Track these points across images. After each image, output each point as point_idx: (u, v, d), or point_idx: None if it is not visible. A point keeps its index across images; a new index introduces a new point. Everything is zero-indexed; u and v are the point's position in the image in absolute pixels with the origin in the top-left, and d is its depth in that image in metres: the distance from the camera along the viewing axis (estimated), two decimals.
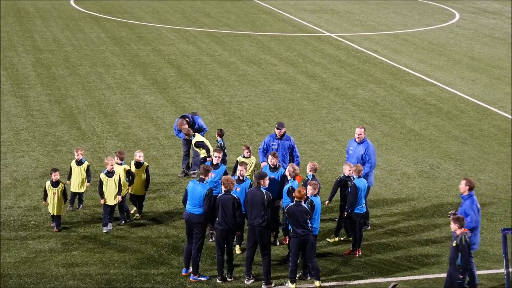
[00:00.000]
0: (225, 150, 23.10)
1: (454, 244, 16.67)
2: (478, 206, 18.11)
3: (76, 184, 21.61)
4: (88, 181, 21.75)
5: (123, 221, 21.01)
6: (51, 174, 20.44)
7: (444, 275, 18.98)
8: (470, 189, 18.15)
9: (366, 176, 20.72)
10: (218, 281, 18.19)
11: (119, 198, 20.57)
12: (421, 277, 18.91)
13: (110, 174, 20.50)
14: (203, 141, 23.22)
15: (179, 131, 24.43)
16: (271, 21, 51.49)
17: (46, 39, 42.81)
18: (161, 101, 32.31)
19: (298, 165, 21.40)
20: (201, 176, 18.39)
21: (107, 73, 36.28)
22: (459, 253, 16.58)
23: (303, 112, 31.84)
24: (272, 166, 20.03)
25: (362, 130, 21.49)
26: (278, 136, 21.61)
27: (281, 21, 51.85)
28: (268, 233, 18.36)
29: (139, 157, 21.50)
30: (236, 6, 56.22)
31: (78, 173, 21.56)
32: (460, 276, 16.66)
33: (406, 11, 58.14)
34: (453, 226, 16.79)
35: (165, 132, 28.42)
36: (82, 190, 21.72)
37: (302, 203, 17.95)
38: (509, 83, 38.02)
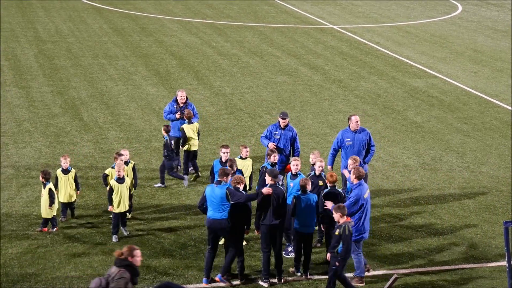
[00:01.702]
0: (173, 146, 23.05)
1: (336, 233, 16.77)
2: (365, 197, 18.00)
3: (65, 194, 20.38)
4: (78, 189, 20.62)
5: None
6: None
7: (447, 267, 19.03)
8: (358, 178, 18.12)
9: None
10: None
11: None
12: (423, 269, 18.92)
13: (121, 180, 19.50)
14: (185, 131, 23.07)
15: (170, 112, 23.81)
16: (274, 13, 51.43)
17: (49, 30, 42.79)
18: (163, 93, 32.30)
19: (298, 156, 21.50)
20: (218, 179, 17.66)
21: (110, 64, 36.27)
22: (341, 242, 16.69)
23: (305, 104, 31.82)
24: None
25: (355, 118, 21.58)
26: (282, 126, 21.52)
27: (283, 12, 51.79)
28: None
29: (125, 155, 20.70)
30: None
31: (66, 182, 20.36)
32: (337, 263, 16.78)
33: (409, 3, 58.05)
34: (335, 216, 16.90)
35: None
36: (72, 200, 20.51)
37: (336, 187, 18.20)
38: (511, 75, 37.97)
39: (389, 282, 17.78)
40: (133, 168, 20.97)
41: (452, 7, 57.17)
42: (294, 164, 19.16)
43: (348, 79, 35.98)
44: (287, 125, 21.55)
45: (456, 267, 19.10)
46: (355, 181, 18.17)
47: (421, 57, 40.83)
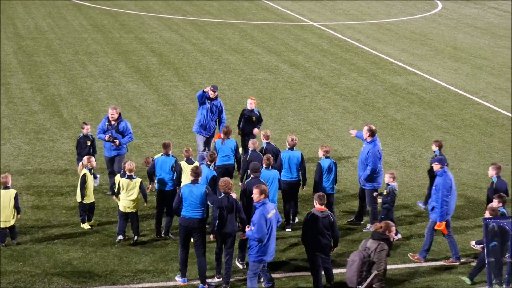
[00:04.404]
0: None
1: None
2: (269, 217, 16.49)
3: (3, 216, 18.53)
4: (18, 213, 18.76)
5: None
6: None
7: (427, 264, 19.09)
8: (264, 197, 16.64)
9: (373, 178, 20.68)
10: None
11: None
12: (403, 266, 18.97)
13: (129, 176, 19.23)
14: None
15: (102, 131, 22.02)
16: (254, 10, 51.42)
17: (28, 26, 42.57)
18: (143, 89, 32.23)
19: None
20: (192, 179, 17.67)
21: (89, 61, 36.14)
22: None
23: (285, 101, 31.83)
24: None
25: (366, 128, 21.23)
26: (212, 97, 23.89)
27: (264, 9, 51.79)
28: None
29: (92, 162, 20.05)
30: None
31: (5, 201, 18.47)
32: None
33: (389, 0, 58.19)
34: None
35: (147, 121, 28.37)
36: (11, 223, 18.63)
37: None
38: (491, 73, 38.14)
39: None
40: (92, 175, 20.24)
41: (432, 5, 57.35)
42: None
43: (328, 76, 36.02)
44: (216, 98, 23.99)
45: (436, 263, 19.17)
46: (261, 199, 16.68)
47: (401, 54, 40.94)
